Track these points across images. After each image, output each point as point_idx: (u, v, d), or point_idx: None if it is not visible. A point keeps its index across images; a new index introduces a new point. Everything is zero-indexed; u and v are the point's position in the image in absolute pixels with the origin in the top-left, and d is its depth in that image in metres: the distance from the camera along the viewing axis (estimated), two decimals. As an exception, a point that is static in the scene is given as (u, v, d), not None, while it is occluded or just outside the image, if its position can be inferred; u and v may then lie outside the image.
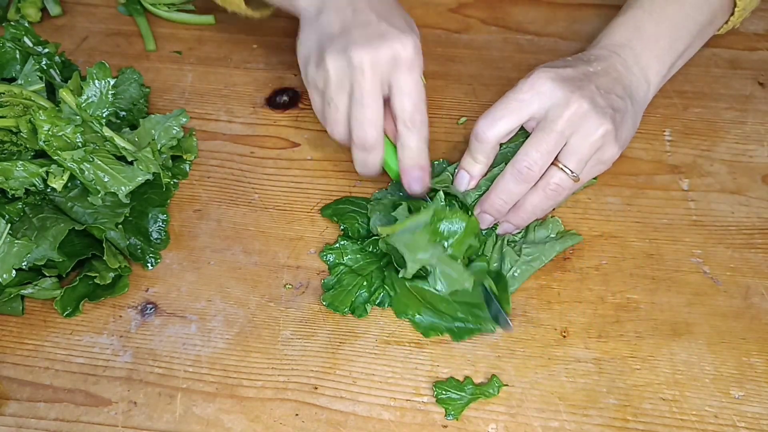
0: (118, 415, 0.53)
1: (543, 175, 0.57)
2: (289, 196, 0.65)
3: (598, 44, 0.63)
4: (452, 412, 0.52)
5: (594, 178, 0.61)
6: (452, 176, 0.62)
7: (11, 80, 0.66)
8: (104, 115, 0.61)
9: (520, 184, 0.57)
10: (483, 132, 0.57)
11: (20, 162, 0.57)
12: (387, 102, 0.58)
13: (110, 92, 0.62)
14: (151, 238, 0.61)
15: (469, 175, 0.60)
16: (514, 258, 0.58)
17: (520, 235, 0.61)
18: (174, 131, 0.64)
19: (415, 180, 0.59)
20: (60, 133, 0.58)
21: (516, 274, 0.58)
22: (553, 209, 0.62)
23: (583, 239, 0.61)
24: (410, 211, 0.57)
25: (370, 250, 0.59)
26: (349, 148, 0.60)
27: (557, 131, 0.56)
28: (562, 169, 0.57)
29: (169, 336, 0.57)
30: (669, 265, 0.60)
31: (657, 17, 0.63)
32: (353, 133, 0.58)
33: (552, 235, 0.60)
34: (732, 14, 0.67)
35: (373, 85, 0.56)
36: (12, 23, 0.68)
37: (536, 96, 0.56)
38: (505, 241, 0.60)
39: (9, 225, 0.56)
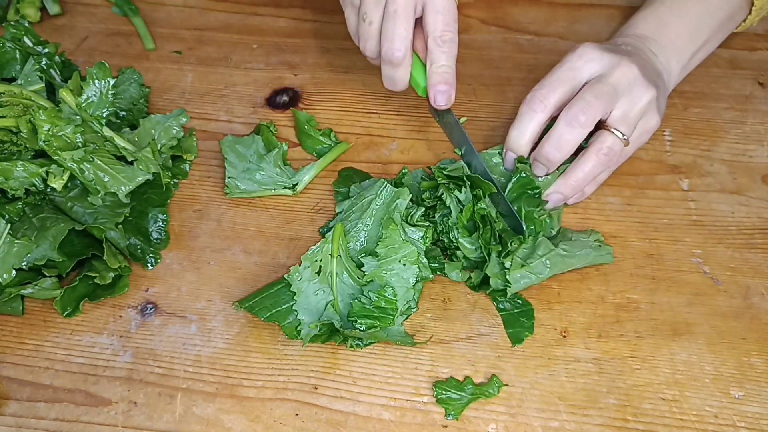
0: (118, 415, 0.53)
1: (594, 140, 0.59)
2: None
3: (623, 34, 0.66)
4: (452, 412, 0.52)
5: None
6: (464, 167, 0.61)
7: (11, 80, 0.66)
8: (104, 115, 0.61)
9: (574, 129, 0.57)
10: (541, 98, 0.59)
11: (20, 162, 0.57)
12: (419, 21, 0.60)
13: (110, 92, 0.62)
14: (151, 238, 0.61)
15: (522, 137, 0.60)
16: (549, 247, 0.57)
17: (557, 230, 0.60)
18: (174, 131, 0.64)
19: (442, 93, 0.60)
20: (60, 133, 0.58)
21: (547, 264, 0.56)
22: (602, 182, 0.63)
23: (614, 261, 0.60)
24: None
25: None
26: (379, 66, 0.61)
27: (610, 84, 0.58)
28: (613, 132, 0.58)
29: (169, 336, 0.57)
30: (669, 265, 0.60)
31: (678, 12, 0.65)
32: (383, 47, 0.59)
33: (591, 243, 0.60)
34: (749, 13, 0.68)
35: (408, 1, 0.58)
36: (12, 23, 0.68)
37: (587, 62, 0.59)
38: (541, 233, 0.59)
39: (9, 225, 0.56)
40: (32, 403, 0.53)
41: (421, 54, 0.61)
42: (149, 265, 0.60)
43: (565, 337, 0.56)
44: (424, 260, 0.57)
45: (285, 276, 0.57)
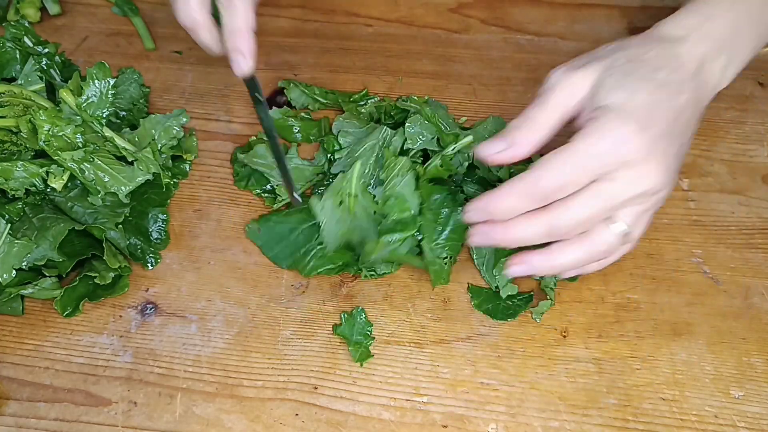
0: (118, 415, 0.53)
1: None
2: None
3: (650, 38, 0.51)
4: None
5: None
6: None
7: (11, 80, 0.66)
8: (104, 115, 0.61)
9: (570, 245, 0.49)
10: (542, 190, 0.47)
11: (20, 162, 0.57)
12: None
13: (110, 92, 0.62)
14: (151, 238, 0.61)
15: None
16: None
17: None
18: (174, 131, 0.64)
19: (235, 62, 0.54)
20: (60, 133, 0.58)
21: None
22: None
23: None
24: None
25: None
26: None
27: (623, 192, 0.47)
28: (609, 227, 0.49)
29: (169, 336, 0.57)
30: (669, 265, 0.60)
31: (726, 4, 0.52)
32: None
33: None
34: None
35: None
36: (12, 23, 0.68)
37: (615, 150, 0.46)
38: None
39: (9, 225, 0.56)
40: (32, 403, 0.53)
41: None
42: (149, 265, 0.60)
43: (565, 337, 0.56)
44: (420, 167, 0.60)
45: (309, 204, 0.59)
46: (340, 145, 0.65)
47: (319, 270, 0.59)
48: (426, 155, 0.63)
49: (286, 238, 0.60)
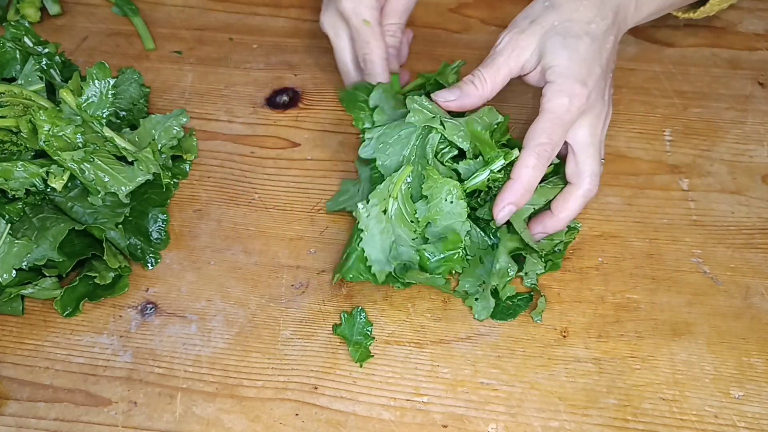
0: (118, 415, 0.53)
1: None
2: (289, 196, 0.65)
3: None
4: None
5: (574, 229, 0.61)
6: None
7: (11, 80, 0.66)
8: (104, 115, 0.61)
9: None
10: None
11: (20, 162, 0.57)
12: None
13: (110, 92, 0.62)
14: (151, 238, 0.61)
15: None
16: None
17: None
18: (174, 131, 0.64)
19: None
20: (60, 134, 0.58)
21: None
22: None
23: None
24: None
25: None
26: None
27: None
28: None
29: (169, 336, 0.57)
30: (669, 265, 0.60)
31: None
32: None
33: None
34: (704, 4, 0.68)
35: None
36: (12, 23, 0.68)
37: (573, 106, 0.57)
38: None
39: (9, 225, 0.56)
40: (32, 403, 0.53)
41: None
42: (149, 265, 0.60)
43: (565, 337, 0.56)
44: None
45: (354, 211, 0.56)
46: (373, 121, 0.61)
47: (364, 276, 0.56)
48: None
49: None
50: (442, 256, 0.55)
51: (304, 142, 0.69)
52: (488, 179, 0.57)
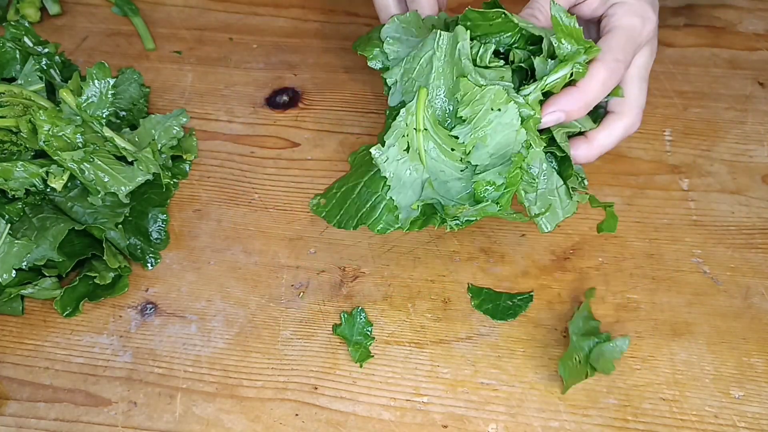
0: (118, 415, 0.53)
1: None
2: (289, 196, 0.65)
3: None
4: None
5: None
6: None
7: (11, 80, 0.66)
8: (104, 115, 0.61)
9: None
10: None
11: (20, 162, 0.57)
12: None
13: (110, 92, 0.62)
14: (151, 238, 0.61)
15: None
16: None
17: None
18: (174, 131, 0.64)
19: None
20: (60, 134, 0.58)
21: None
22: None
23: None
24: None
25: None
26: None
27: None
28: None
29: (169, 336, 0.57)
30: (669, 265, 0.60)
31: None
32: None
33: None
34: None
35: None
36: (12, 23, 0.68)
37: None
38: None
39: (9, 225, 0.56)
40: (32, 403, 0.53)
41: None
42: (149, 265, 0.60)
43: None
44: (519, 98, 0.48)
45: (372, 156, 0.49)
46: (386, 57, 0.53)
47: (395, 226, 0.49)
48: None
49: (349, 197, 0.52)
50: (502, 181, 0.47)
51: (304, 142, 0.69)
52: (570, 75, 0.48)
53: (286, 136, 0.69)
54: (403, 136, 0.49)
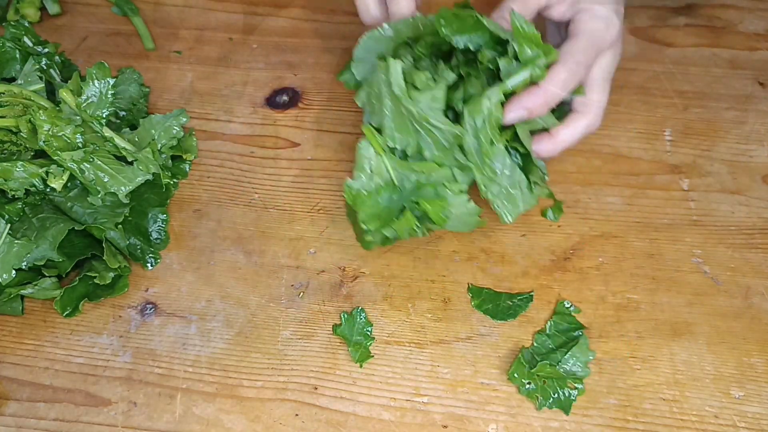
0: (118, 415, 0.53)
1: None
2: (289, 196, 0.65)
3: None
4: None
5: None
6: None
7: (11, 80, 0.66)
8: (104, 115, 0.61)
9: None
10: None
11: (20, 162, 0.57)
12: None
13: (110, 92, 0.62)
14: (151, 238, 0.61)
15: None
16: None
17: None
18: (174, 131, 0.64)
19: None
20: (60, 134, 0.58)
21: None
22: None
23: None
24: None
25: None
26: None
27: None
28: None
29: (169, 336, 0.57)
30: (669, 265, 0.60)
31: None
32: None
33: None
34: None
35: None
36: (12, 23, 0.68)
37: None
38: None
39: (9, 225, 0.56)
40: (32, 403, 0.53)
41: None
42: (149, 265, 0.60)
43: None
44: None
45: (345, 191, 0.53)
46: (354, 79, 0.57)
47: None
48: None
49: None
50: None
51: (304, 142, 0.69)
52: (531, 77, 0.52)
53: (286, 136, 0.69)
54: (365, 166, 0.53)
